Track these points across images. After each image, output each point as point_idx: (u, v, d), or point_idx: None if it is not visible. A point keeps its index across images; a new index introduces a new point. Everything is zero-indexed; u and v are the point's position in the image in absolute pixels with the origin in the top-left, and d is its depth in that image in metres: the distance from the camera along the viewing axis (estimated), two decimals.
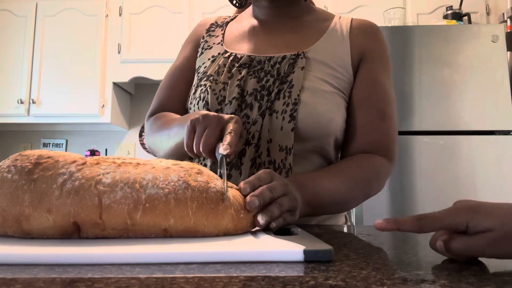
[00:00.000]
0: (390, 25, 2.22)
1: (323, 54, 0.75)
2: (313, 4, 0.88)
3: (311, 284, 0.26)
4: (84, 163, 0.41)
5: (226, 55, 0.78)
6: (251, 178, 0.49)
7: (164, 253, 0.32)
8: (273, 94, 0.70)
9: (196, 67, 0.84)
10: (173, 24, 2.64)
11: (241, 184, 0.48)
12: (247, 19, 0.86)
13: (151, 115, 0.85)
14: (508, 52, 2.00)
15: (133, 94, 3.06)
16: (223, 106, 0.72)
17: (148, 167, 0.42)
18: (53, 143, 3.05)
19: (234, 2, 0.88)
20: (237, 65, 0.75)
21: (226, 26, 0.87)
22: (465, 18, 2.28)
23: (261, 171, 0.52)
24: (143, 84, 3.03)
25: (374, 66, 0.76)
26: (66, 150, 3.01)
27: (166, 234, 0.40)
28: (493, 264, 0.34)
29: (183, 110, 0.83)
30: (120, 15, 2.71)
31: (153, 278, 0.27)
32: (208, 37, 0.86)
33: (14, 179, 0.39)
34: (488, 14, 2.43)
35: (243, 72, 0.73)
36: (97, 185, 0.39)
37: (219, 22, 0.89)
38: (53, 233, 0.38)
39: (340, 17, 0.82)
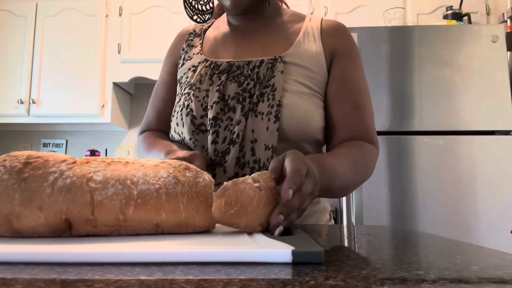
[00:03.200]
0: (390, 25, 2.22)
1: (299, 57, 0.78)
2: (283, 4, 0.93)
3: (311, 284, 0.26)
4: (74, 162, 0.42)
5: (207, 64, 0.80)
6: (293, 175, 0.47)
7: (161, 253, 0.32)
8: (255, 97, 0.73)
9: (178, 77, 0.87)
10: (173, 24, 2.64)
11: (284, 186, 0.45)
12: (223, 26, 0.89)
13: (141, 132, 0.91)
14: (508, 52, 2.00)
15: (133, 94, 3.06)
16: (207, 111, 0.75)
17: (137, 165, 0.43)
18: (53, 143, 3.04)
19: (195, 18, 0.89)
20: (217, 72, 0.78)
21: (204, 35, 0.90)
22: (465, 18, 2.28)
23: (296, 161, 0.49)
24: (143, 84, 3.03)
25: (344, 63, 0.80)
26: (66, 150, 3.02)
27: (158, 230, 0.41)
28: (493, 264, 0.34)
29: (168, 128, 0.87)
30: (120, 15, 2.71)
31: (153, 278, 0.27)
32: (187, 47, 0.88)
33: (4, 179, 0.39)
34: (488, 14, 2.43)
35: (223, 77, 0.76)
36: (89, 183, 0.40)
37: (197, 31, 0.92)
38: (44, 231, 0.39)
39: (310, 19, 0.86)
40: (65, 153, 2.85)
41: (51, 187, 0.39)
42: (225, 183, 0.43)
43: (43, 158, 0.42)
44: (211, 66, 0.79)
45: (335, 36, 0.82)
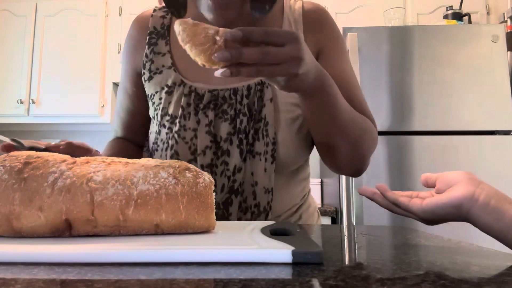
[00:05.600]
0: (390, 25, 2.22)
1: None
2: None
3: (311, 284, 0.26)
4: (74, 162, 0.42)
5: (186, 91, 0.70)
6: (270, 30, 0.46)
7: (161, 253, 0.32)
8: (250, 136, 0.67)
9: (148, 93, 0.75)
10: None
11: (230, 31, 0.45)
12: None
13: (112, 138, 0.85)
14: (508, 52, 2.00)
15: None
16: (196, 155, 0.68)
17: (137, 165, 0.43)
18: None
19: (172, 9, 0.72)
20: (201, 106, 0.68)
21: (169, 36, 0.75)
22: (465, 18, 2.28)
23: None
24: None
25: (333, 59, 0.73)
26: None
27: (158, 230, 0.41)
28: (494, 264, 0.34)
29: (140, 138, 0.82)
30: (120, 15, 2.71)
31: (153, 278, 0.27)
32: (152, 54, 0.74)
33: (4, 179, 0.39)
34: (488, 14, 2.42)
35: (210, 115, 0.68)
36: (89, 183, 0.40)
37: (158, 28, 0.76)
38: (44, 231, 0.39)
39: (290, 6, 0.76)
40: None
41: (51, 187, 0.39)
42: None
43: (43, 158, 0.42)
44: (192, 96, 0.69)
45: (318, 27, 0.74)
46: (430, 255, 0.38)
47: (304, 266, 0.31)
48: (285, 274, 0.29)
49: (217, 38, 0.45)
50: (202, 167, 0.67)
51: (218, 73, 0.45)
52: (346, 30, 1.94)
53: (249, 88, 0.69)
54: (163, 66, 0.73)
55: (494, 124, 1.87)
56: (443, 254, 0.38)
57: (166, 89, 0.71)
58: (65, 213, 0.38)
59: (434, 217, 0.46)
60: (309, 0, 0.79)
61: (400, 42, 1.95)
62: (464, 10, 2.31)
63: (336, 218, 2.00)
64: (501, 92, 1.89)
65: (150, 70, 0.74)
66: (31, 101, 2.66)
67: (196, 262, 0.32)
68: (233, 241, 0.38)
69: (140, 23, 0.79)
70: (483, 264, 0.34)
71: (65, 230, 0.39)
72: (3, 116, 2.70)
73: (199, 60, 0.45)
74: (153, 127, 0.74)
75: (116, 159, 0.44)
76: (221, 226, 0.49)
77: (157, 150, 0.72)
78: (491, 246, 0.44)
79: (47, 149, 0.64)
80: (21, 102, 2.66)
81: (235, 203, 0.67)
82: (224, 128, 0.68)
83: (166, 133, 0.70)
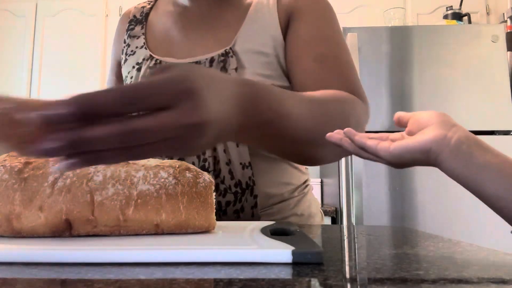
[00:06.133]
0: (390, 25, 2.22)
1: (251, 40, 0.66)
2: None
3: (311, 284, 0.26)
4: None
5: (152, 63, 0.69)
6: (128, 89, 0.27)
7: (161, 253, 0.32)
8: None
9: (123, 76, 0.76)
10: None
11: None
12: (166, 7, 0.77)
13: None
14: (508, 52, 2.00)
15: None
16: None
17: (137, 165, 0.43)
18: None
19: None
20: None
21: (146, 22, 0.77)
22: (465, 18, 2.28)
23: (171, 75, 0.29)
24: None
25: (303, 23, 0.65)
26: None
27: (158, 230, 0.41)
28: (493, 264, 0.34)
29: None
30: (120, 15, 2.71)
31: (153, 278, 0.27)
32: (129, 39, 0.76)
33: (4, 179, 0.39)
34: (488, 14, 2.42)
35: None
36: (89, 183, 0.40)
37: (137, 16, 0.79)
38: (44, 231, 0.39)
39: None
40: None
41: (51, 187, 0.39)
42: None
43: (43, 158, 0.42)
44: (155, 67, 0.68)
45: None
46: (430, 255, 0.38)
47: (304, 266, 0.31)
48: (285, 274, 0.29)
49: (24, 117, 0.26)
50: None
51: (54, 168, 0.32)
52: (346, 30, 1.94)
53: (212, 60, 0.66)
54: (136, 47, 0.74)
55: (494, 124, 1.87)
56: (443, 254, 0.38)
57: (136, 66, 0.72)
58: (65, 213, 0.38)
59: (401, 161, 0.43)
60: None
61: (400, 42, 1.95)
62: (464, 10, 2.32)
63: (336, 218, 2.00)
64: (501, 92, 1.89)
65: (126, 54, 0.76)
66: None
67: (196, 262, 0.32)
68: (233, 241, 0.38)
69: (124, 15, 0.82)
70: (483, 264, 0.34)
71: (65, 230, 0.39)
72: None
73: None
74: None
75: None
76: (221, 226, 0.49)
77: None
78: (491, 246, 0.44)
79: None
80: None
81: None
82: None
83: None
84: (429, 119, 0.44)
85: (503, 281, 0.28)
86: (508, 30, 2.07)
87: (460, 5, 2.33)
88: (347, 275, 0.29)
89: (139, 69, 0.71)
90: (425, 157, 0.42)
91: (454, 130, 0.43)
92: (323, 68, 0.61)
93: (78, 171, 0.41)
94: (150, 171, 0.42)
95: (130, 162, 0.44)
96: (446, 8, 2.33)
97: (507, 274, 0.30)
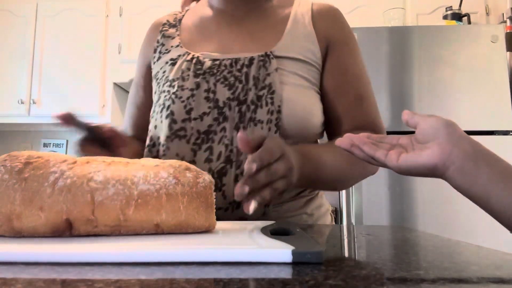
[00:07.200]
0: (389, 26, 2.22)
1: (291, 50, 0.72)
2: None
3: (311, 284, 0.26)
4: (74, 162, 0.42)
5: (188, 57, 0.72)
6: (260, 152, 0.49)
7: (161, 253, 0.32)
8: (250, 101, 0.66)
9: (154, 73, 0.78)
10: None
11: (249, 158, 0.48)
12: (202, 10, 0.81)
13: None
14: (508, 52, 2.00)
15: None
16: (191, 116, 0.67)
17: (137, 165, 0.43)
18: (53, 143, 3.04)
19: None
20: (201, 72, 0.69)
21: (180, 25, 0.81)
22: (465, 18, 2.28)
23: (271, 143, 0.51)
24: None
25: (341, 53, 0.75)
26: (66, 150, 3.01)
27: (158, 230, 0.41)
28: (493, 264, 0.34)
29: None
30: (120, 15, 2.71)
31: (153, 278, 0.27)
32: (163, 39, 0.80)
33: (5, 179, 0.39)
34: (487, 14, 2.42)
35: (211, 80, 0.68)
36: (89, 183, 0.40)
37: (171, 21, 0.83)
38: (45, 231, 0.39)
39: (299, 3, 0.79)
40: (66, 153, 2.85)
41: (51, 187, 0.39)
42: None
43: (43, 158, 0.42)
44: (193, 62, 0.70)
45: (329, 22, 0.76)
46: (430, 255, 0.38)
47: (304, 266, 0.31)
48: (285, 273, 0.29)
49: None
50: (199, 133, 0.66)
51: (250, 209, 0.48)
52: None
53: (251, 59, 0.70)
54: (171, 46, 0.77)
55: (494, 124, 1.87)
56: (443, 254, 0.38)
57: (170, 62, 0.74)
58: (66, 213, 0.38)
59: (410, 174, 0.46)
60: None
61: (399, 42, 1.95)
62: (464, 10, 2.31)
63: (336, 218, 2.00)
64: (500, 93, 1.89)
65: (160, 52, 0.78)
66: (32, 101, 2.66)
67: (196, 262, 0.32)
68: (233, 241, 0.38)
69: (156, 23, 0.86)
70: (483, 264, 0.34)
71: (65, 230, 0.39)
72: (4, 116, 2.70)
73: None
74: (155, 104, 0.74)
75: (116, 159, 0.45)
76: (221, 226, 0.49)
77: (152, 117, 0.72)
78: (491, 246, 0.44)
79: (91, 128, 0.64)
80: (22, 102, 2.66)
81: (229, 174, 0.64)
82: (223, 93, 0.67)
83: (165, 96, 0.70)
84: (435, 132, 0.46)
85: (503, 281, 0.28)
86: (508, 31, 2.07)
87: (460, 5, 2.32)
88: (347, 275, 0.29)
89: (173, 64, 0.73)
90: (432, 173, 0.45)
91: (460, 145, 0.44)
92: (361, 107, 0.74)
93: (78, 171, 0.41)
94: (150, 171, 0.42)
95: (130, 162, 0.44)
96: (446, 8, 2.33)
97: (507, 274, 0.30)
